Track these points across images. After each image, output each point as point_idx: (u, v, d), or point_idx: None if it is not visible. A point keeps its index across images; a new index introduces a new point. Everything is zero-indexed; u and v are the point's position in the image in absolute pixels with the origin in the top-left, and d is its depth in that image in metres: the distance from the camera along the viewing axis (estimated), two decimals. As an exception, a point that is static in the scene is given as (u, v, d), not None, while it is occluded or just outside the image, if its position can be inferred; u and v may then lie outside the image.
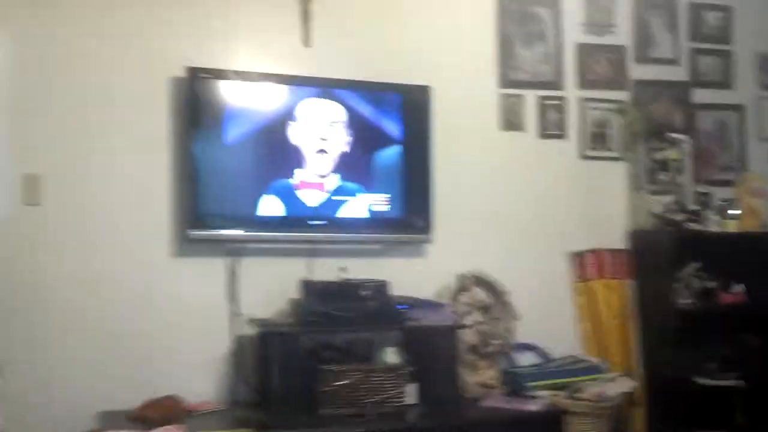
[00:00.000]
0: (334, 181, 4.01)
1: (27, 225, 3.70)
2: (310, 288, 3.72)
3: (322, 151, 4.01)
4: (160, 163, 3.88)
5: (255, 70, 3.97)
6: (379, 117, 4.12)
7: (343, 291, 3.69)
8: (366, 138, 4.09)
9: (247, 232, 3.85)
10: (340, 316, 3.58)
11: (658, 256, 4.54)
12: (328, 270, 3.86)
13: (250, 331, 3.85)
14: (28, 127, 3.73)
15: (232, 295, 3.92)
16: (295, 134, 3.96)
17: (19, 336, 3.66)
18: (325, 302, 3.59)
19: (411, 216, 4.15)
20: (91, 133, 3.80)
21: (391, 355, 3.72)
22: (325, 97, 4.03)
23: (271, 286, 3.91)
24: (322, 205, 3.99)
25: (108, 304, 3.78)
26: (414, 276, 4.14)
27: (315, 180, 3.99)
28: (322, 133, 4.01)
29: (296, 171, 3.95)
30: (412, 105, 4.18)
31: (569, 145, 4.68)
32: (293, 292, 3.81)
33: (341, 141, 4.04)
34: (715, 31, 5.03)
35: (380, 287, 3.74)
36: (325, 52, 4.18)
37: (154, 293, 3.84)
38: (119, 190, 3.83)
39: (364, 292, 3.68)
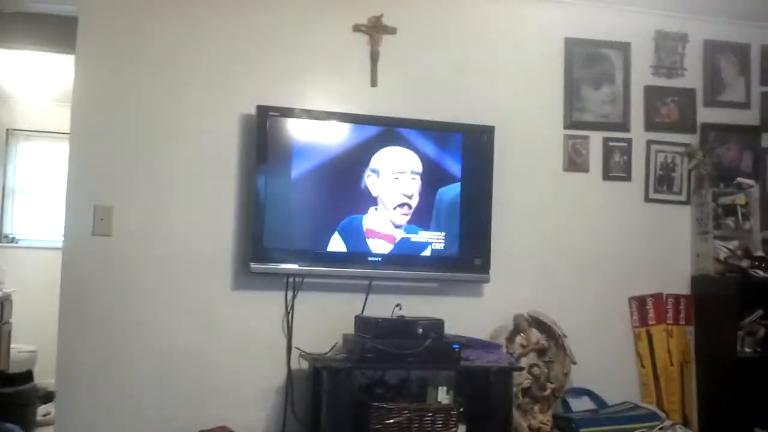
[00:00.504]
0: (402, 231, 4.08)
1: (97, 255, 3.84)
2: (365, 324, 3.76)
3: (404, 205, 4.08)
4: (228, 198, 3.99)
5: (323, 109, 4.06)
6: (442, 156, 4.17)
7: (398, 328, 3.70)
8: (427, 177, 4.13)
9: (307, 266, 3.92)
10: (394, 354, 3.58)
11: (721, 302, 4.47)
12: (383, 307, 3.89)
13: (303, 365, 3.93)
14: (100, 160, 3.87)
15: (288, 328, 4.00)
16: (374, 185, 4.04)
17: (80, 363, 3.79)
18: (379, 339, 3.59)
19: (469, 255, 4.17)
20: (162, 167, 3.94)
21: (444, 395, 3.73)
22: (389, 136, 4.09)
23: (327, 321, 3.98)
24: (381, 244, 4.06)
25: (168, 334, 3.89)
26: (470, 315, 4.18)
27: (387, 230, 4.05)
28: (404, 188, 4.09)
29: (366, 214, 4.03)
30: (474, 144, 4.22)
31: (634, 188, 4.64)
32: (348, 328, 3.86)
33: (417, 191, 4.11)
34: (787, 74, 4.94)
35: (435, 326, 3.74)
36: (390, 91, 4.26)
37: (213, 324, 3.95)
38: (187, 223, 3.94)
39: (419, 330, 3.68)
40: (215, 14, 4.06)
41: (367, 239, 4.03)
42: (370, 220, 4.03)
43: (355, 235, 4.00)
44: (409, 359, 3.62)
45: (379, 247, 4.04)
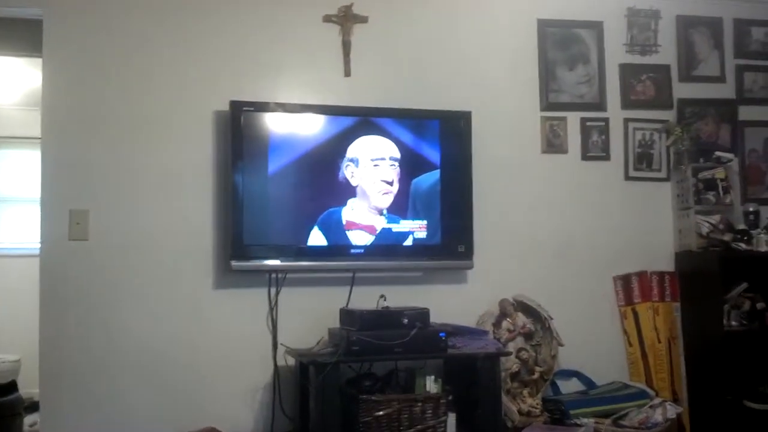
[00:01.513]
0: (383, 221, 4.05)
1: (75, 261, 3.79)
2: (350, 317, 3.73)
3: (386, 192, 4.06)
4: (205, 196, 3.96)
5: (297, 102, 4.03)
6: (420, 144, 4.14)
7: (384, 319, 3.67)
8: (406, 164, 4.11)
9: (288, 261, 3.90)
10: (380, 345, 3.55)
11: (705, 277, 4.45)
12: (368, 299, 3.86)
13: (290, 361, 3.90)
14: (73, 163, 3.83)
15: (273, 325, 3.97)
16: (353, 175, 4.02)
17: (63, 369, 3.74)
18: (365, 331, 3.56)
19: (452, 242, 4.15)
20: (136, 167, 3.89)
21: (432, 384, 3.71)
22: (365, 125, 4.06)
23: (312, 315, 3.95)
24: (363, 234, 4.04)
25: (151, 337, 3.85)
26: (455, 302, 4.15)
27: (368, 221, 4.02)
28: (384, 174, 4.06)
29: (345, 207, 4.00)
30: (452, 130, 4.20)
31: (613, 167, 4.63)
32: (333, 322, 3.84)
33: (397, 178, 4.09)
34: (762, 47, 4.93)
35: (421, 315, 3.71)
36: (364, 81, 4.23)
37: (197, 325, 3.91)
38: (164, 224, 3.90)
39: (404, 320, 3.66)
40: (183, 11, 4.02)
41: (347, 231, 3.99)
42: (350, 211, 4.00)
43: (335, 228, 3.97)
44: (395, 350, 3.59)
45: (360, 238, 4.01)
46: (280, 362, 3.93)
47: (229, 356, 3.92)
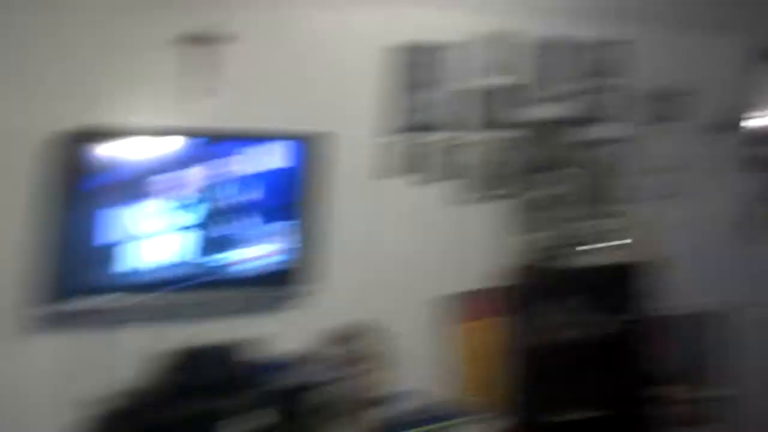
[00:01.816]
0: (217, 249, 3.98)
1: None
2: (166, 358, 3.62)
3: (226, 218, 3.99)
4: (17, 237, 3.68)
5: (140, 126, 3.83)
6: (268, 166, 4.08)
7: (201, 358, 3.62)
8: (253, 189, 4.04)
9: (102, 301, 3.67)
10: (195, 387, 3.49)
11: (543, 291, 4.61)
12: (201, 333, 3.82)
13: (88, 414, 3.62)
14: None
15: (77, 374, 3.68)
16: (189, 200, 3.90)
17: None
18: (181, 373, 3.51)
19: (292, 269, 4.12)
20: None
21: (260, 419, 3.66)
22: (215, 149, 3.96)
23: (120, 359, 3.72)
24: (196, 264, 3.93)
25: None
26: (293, 331, 4.15)
27: (200, 250, 3.93)
28: (225, 200, 3.98)
29: (177, 236, 3.89)
30: (302, 153, 4.16)
31: (458, 187, 4.70)
32: (147, 365, 3.72)
33: (229, 194, 4.00)
34: (615, 67, 5.04)
35: (238, 350, 3.70)
36: (225, 102, 4.06)
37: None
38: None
39: (220, 358, 3.62)
40: (11, 22, 3.73)
41: (175, 263, 3.88)
42: (183, 240, 3.91)
43: (160, 261, 3.86)
44: (211, 390, 3.53)
45: (189, 269, 3.89)
46: (80, 414, 3.63)
47: (25, 413, 3.61)
